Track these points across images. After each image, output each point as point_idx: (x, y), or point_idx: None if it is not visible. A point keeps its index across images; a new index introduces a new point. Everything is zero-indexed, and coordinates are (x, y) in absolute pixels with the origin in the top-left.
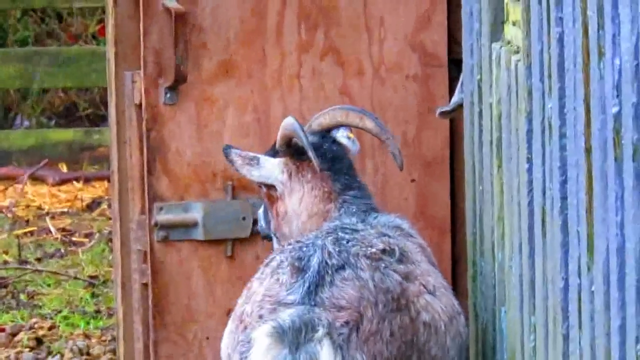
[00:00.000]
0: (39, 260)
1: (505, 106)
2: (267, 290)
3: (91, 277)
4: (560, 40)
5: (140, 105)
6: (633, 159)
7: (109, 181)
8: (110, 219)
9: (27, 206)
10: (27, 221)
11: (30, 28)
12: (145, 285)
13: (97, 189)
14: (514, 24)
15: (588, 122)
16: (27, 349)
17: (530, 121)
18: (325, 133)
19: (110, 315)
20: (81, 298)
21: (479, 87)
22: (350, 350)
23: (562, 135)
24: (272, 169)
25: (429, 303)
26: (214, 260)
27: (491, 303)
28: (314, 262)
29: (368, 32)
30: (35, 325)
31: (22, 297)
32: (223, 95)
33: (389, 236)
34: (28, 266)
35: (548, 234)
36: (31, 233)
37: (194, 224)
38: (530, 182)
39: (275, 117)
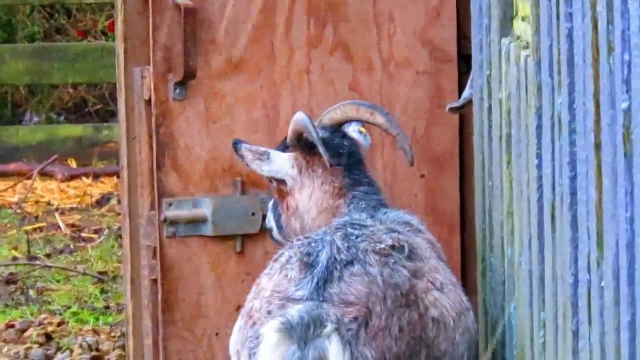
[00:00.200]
0: (48, 256)
1: (515, 102)
2: (275, 286)
3: (100, 273)
4: (570, 35)
5: (150, 100)
6: None
7: (118, 177)
8: (119, 214)
9: (37, 202)
10: (37, 217)
11: (39, 24)
12: (154, 281)
13: (106, 185)
14: (523, 19)
15: (598, 117)
16: (37, 345)
17: (539, 117)
18: (336, 128)
19: (119, 311)
20: (90, 294)
21: (488, 83)
22: (359, 346)
23: (572, 131)
24: (282, 163)
25: (437, 299)
26: (223, 256)
27: (500, 299)
28: (323, 257)
29: (377, 27)
30: (45, 321)
31: (32, 293)
32: (232, 90)
33: (398, 232)
34: (37, 262)
35: (557, 230)
36: (40, 229)
37: (203, 220)
38: (539, 177)
39: (284, 113)
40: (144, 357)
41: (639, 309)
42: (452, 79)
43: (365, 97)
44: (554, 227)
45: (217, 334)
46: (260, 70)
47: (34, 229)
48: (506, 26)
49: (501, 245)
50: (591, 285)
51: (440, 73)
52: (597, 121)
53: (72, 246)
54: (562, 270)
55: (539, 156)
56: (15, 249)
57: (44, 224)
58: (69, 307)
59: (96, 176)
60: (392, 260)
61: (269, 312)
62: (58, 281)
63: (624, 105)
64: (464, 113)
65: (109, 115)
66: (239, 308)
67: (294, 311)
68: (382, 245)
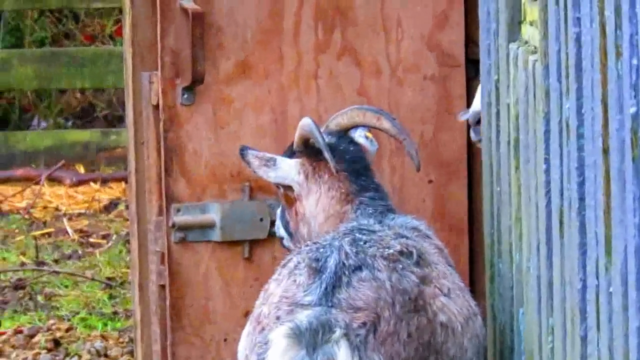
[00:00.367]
0: (56, 261)
1: (523, 106)
2: (284, 292)
3: (108, 278)
4: (578, 40)
5: (158, 106)
6: None
7: (126, 182)
8: (127, 220)
9: (45, 207)
10: (45, 222)
11: (47, 29)
12: (162, 286)
13: (114, 190)
14: (531, 24)
15: (606, 122)
16: (45, 351)
17: (547, 121)
18: (343, 133)
19: (127, 317)
20: (99, 299)
21: (497, 88)
22: (368, 351)
23: (580, 136)
24: (288, 169)
25: (445, 305)
26: (232, 261)
27: (509, 304)
28: (331, 263)
29: (385, 32)
30: (53, 327)
31: (40, 298)
32: (240, 95)
33: (407, 237)
34: (45, 268)
35: (566, 235)
36: (48, 234)
37: (212, 225)
38: (547, 182)
39: (292, 118)
40: None
41: None
42: (460, 84)
43: (373, 102)
44: (562, 232)
45: (225, 340)
46: (268, 75)
47: (42, 235)
48: (514, 31)
49: (509, 251)
50: (599, 291)
51: (448, 78)
52: (605, 126)
53: (80, 252)
54: (571, 276)
55: (547, 161)
56: (24, 254)
57: (52, 229)
58: (78, 313)
59: (104, 181)
60: (400, 266)
61: (278, 318)
62: (66, 287)
63: (632, 110)
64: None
65: (117, 120)
66: (247, 313)
67: (303, 317)
68: (391, 251)
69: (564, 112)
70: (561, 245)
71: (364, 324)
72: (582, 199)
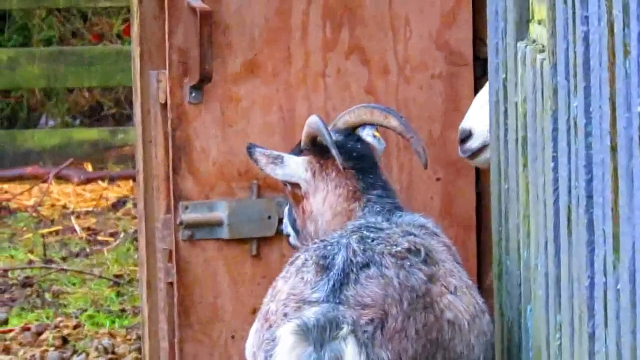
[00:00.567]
0: (64, 259)
1: (531, 105)
2: (291, 289)
3: (116, 276)
4: (586, 38)
5: (166, 104)
6: None
7: (134, 180)
8: (135, 218)
9: (52, 205)
10: (52, 220)
11: (55, 28)
12: (170, 284)
13: (122, 188)
14: (539, 22)
15: (613, 120)
16: (53, 348)
17: (555, 120)
18: (351, 131)
19: (135, 314)
20: (106, 297)
21: (504, 86)
22: (375, 348)
23: (588, 134)
24: (296, 167)
25: (451, 302)
26: (239, 259)
27: (517, 301)
28: (339, 260)
29: (393, 30)
30: (61, 324)
31: (47, 296)
32: (248, 94)
33: (415, 235)
34: (53, 265)
35: (574, 233)
36: (56, 232)
37: (219, 223)
38: (555, 180)
39: (300, 116)
40: None
41: None
42: (467, 83)
43: (381, 100)
44: (570, 230)
45: (233, 337)
46: (276, 74)
47: (50, 233)
48: (522, 29)
49: (517, 248)
50: (607, 288)
51: (456, 76)
52: (613, 124)
53: (88, 249)
54: (578, 273)
55: (555, 159)
56: (31, 252)
57: (60, 227)
58: (85, 310)
59: (112, 180)
60: (408, 263)
61: (285, 315)
62: (74, 284)
63: None
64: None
65: (125, 118)
66: (254, 311)
67: (310, 313)
68: (398, 248)
69: (572, 110)
70: (569, 243)
71: (372, 320)
72: (589, 196)
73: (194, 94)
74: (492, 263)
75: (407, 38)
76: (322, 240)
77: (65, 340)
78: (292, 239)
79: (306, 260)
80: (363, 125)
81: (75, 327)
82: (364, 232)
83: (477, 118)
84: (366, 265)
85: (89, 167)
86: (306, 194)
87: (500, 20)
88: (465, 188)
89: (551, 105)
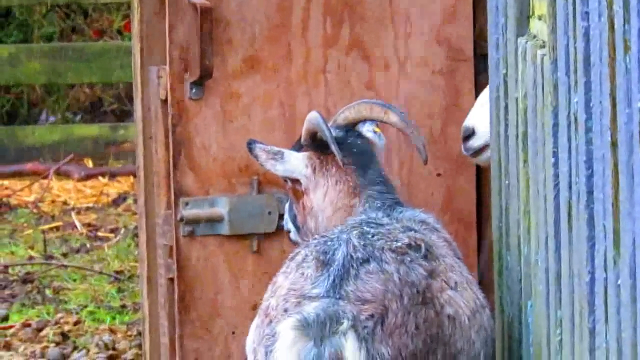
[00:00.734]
0: (64, 255)
1: (531, 100)
2: (292, 284)
3: (117, 272)
4: (586, 34)
5: (166, 100)
6: None
7: (134, 176)
8: (135, 214)
9: (53, 201)
10: (53, 216)
11: (56, 24)
12: (171, 280)
13: (122, 184)
14: (539, 18)
15: (614, 116)
16: (53, 344)
17: (556, 115)
18: (351, 127)
19: (136, 310)
20: (107, 293)
21: (505, 82)
22: (375, 343)
23: (588, 130)
24: (296, 163)
25: (452, 298)
26: (240, 255)
27: (517, 297)
28: (339, 255)
29: (394, 26)
30: (61, 321)
31: (48, 292)
32: (248, 90)
33: (415, 230)
34: (54, 261)
35: (574, 228)
36: (57, 228)
37: (220, 219)
38: (556, 176)
39: (300, 112)
40: (160, 356)
41: None
42: (468, 78)
43: (382, 96)
44: (571, 225)
45: (233, 333)
46: (276, 70)
47: (51, 229)
48: (522, 25)
49: (518, 244)
50: (608, 284)
51: (456, 72)
52: (614, 120)
53: (88, 245)
54: (579, 269)
55: (555, 155)
56: (32, 248)
57: (61, 223)
58: (86, 306)
59: (112, 176)
60: (408, 259)
61: (286, 310)
62: (74, 280)
63: None
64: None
65: (125, 115)
66: (255, 307)
67: (310, 308)
68: (399, 244)
69: (573, 106)
70: (569, 238)
71: (372, 316)
72: (590, 192)
73: (194, 90)
74: (492, 259)
75: (407, 34)
76: (322, 236)
77: (65, 337)
78: (293, 235)
79: (306, 255)
80: (363, 121)
81: (75, 323)
82: (364, 227)
83: (481, 116)
84: (366, 261)
85: (89, 163)
86: (306, 189)
87: (501, 16)
88: (466, 184)
89: (552, 101)
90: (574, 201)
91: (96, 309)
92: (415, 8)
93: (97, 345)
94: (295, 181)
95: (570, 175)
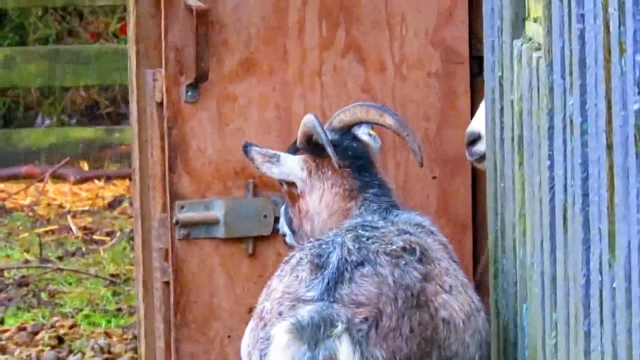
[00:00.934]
0: (60, 258)
1: (527, 103)
2: (286, 287)
3: (112, 275)
4: (582, 36)
5: (162, 103)
6: None
7: (130, 179)
8: (131, 217)
9: (48, 205)
10: (48, 220)
11: (52, 26)
12: (166, 283)
13: (118, 187)
14: (535, 20)
15: (609, 118)
16: (48, 348)
17: (551, 118)
18: (347, 130)
19: (131, 314)
20: (102, 296)
21: (500, 84)
22: (370, 347)
23: (584, 132)
24: (292, 166)
25: (446, 301)
26: (236, 258)
27: (512, 300)
28: (334, 258)
29: (389, 28)
30: (57, 324)
31: (43, 295)
32: (244, 92)
33: (410, 233)
34: (49, 265)
35: (569, 231)
36: (52, 231)
37: (216, 222)
38: (551, 178)
39: (296, 115)
40: (156, 359)
41: None
42: (464, 81)
43: (378, 98)
44: (566, 228)
45: (229, 336)
46: (272, 72)
47: (46, 232)
48: (518, 28)
49: (513, 247)
50: (603, 287)
51: (452, 75)
52: (609, 122)
53: (84, 249)
54: (574, 272)
55: (550, 157)
56: (28, 251)
57: (56, 226)
58: (81, 310)
59: (108, 179)
60: (403, 262)
61: (280, 313)
62: (70, 284)
63: (636, 106)
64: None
65: (121, 117)
66: (251, 310)
67: (305, 312)
68: (393, 247)
69: (568, 108)
70: (565, 241)
71: (366, 319)
72: (585, 194)
73: (190, 93)
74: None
75: (403, 36)
76: (317, 239)
77: (61, 340)
78: (289, 239)
79: (301, 259)
80: (359, 123)
81: (71, 327)
82: (359, 230)
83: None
84: (361, 264)
85: (85, 166)
86: (302, 193)
87: (496, 18)
88: (462, 186)
89: (547, 103)
90: (569, 204)
91: (92, 313)
92: (411, 10)
93: (92, 348)
94: (291, 184)
95: (565, 178)
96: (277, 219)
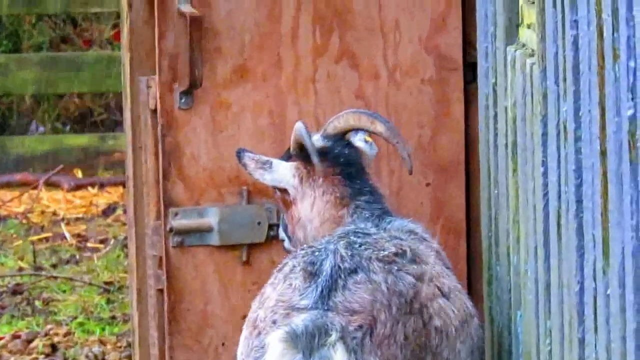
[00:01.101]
0: (54, 266)
1: (521, 109)
2: (280, 296)
3: (106, 283)
4: (575, 43)
5: (156, 110)
6: None
7: (124, 187)
8: (125, 224)
9: (42, 212)
10: (42, 227)
11: (45, 33)
12: (160, 291)
13: (112, 195)
14: (528, 26)
15: (603, 125)
16: (43, 356)
17: (545, 124)
18: (340, 137)
19: (125, 321)
20: (96, 304)
21: (494, 91)
22: (364, 354)
23: (577, 138)
24: (284, 172)
25: (442, 308)
26: (230, 265)
27: (507, 307)
28: (327, 266)
29: (383, 35)
30: (51, 332)
31: (37, 303)
32: (238, 99)
33: (401, 239)
34: (43, 272)
35: (563, 238)
36: (46, 239)
37: (210, 229)
38: (545, 185)
39: (290, 121)
40: None
41: None
42: (457, 87)
43: (371, 105)
44: (560, 235)
45: (223, 344)
46: (266, 79)
47: (40, 239)
48: (512, 34)
49: (507, 254)
50: (597, 293)
51: (446, 81)
52: (603, 129)
53: (78, 256)
54: (568, 278)
55: (544, 164)
56: (21, 259)
57: (50, 234)
58: (75, 318)
59: (102, 186)
60: (395, 267)
61: (274, 322)
62: (64, 291)
63: (630, 112)
64: (469, 120)
65: (115, 124)
66: (245, 317)
67: (299, 320)
68: (386, 253)
69: (562, 114)
70: (559, 248)
71: (360, 326)
72: (579, 201)
73: (184, 100)
74: (482, 268)
75: (397, 43)
76: (309, 247)
77: (55, 348)
78: (287, 244)
79: (294, 266)
80: (352, 130)
81: (65, 335)
82: (352, 237)
83: None
84: (354, 271)
85: (79, 174)
86: (294, 200)
87: (490, 25)
88: (455, 193)
89: (541, 109)
90: (563, 210)
91: (86, 320)
92: (405, 17)
93: (86, 356)
94: (284, 191)
95: (559, 185)
96: (271, 226)
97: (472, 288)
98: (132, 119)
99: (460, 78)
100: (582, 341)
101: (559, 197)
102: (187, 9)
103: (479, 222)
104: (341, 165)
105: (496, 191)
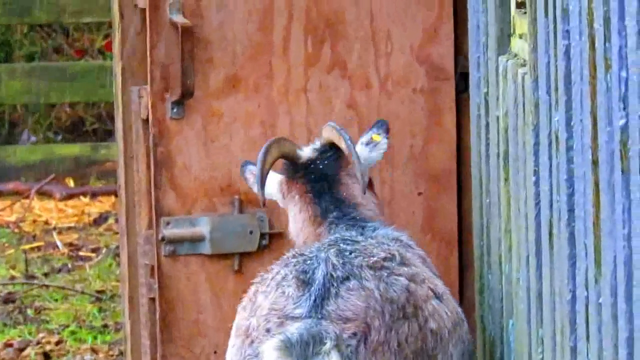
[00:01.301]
0: (46, 275)
1: (512, 119)
2: (273, 304)
3: (98, 291)
4: (567, 52)
5: (147, 120)
6: None
7: (116, 196)
8: (117, 233)
9: (34, 221)
10: (34, 236)
11: (37, 43)
12: (152, 299)
13: (104, 204)
14: (520, 36)
15: (595, 134)
16: None
17: (537, 134)
18: (326, 148)
19: (117, 330)
20: (88, 313)
21: (486, 100)
22: None
23: (569, 148)
24: (273, 186)
25: (436, 309)
26: (222, 274)
27: (499, 316)
28: (319, 274)
29: (375, 45)
30: (43, 340)
31: (30, 312)
32: (230, 109)
33: (389, 245)
34: (35, 281)
35: (555, 247)
36: (38, 248)
37: (201, 239)
38: (537, 194)
39: (282, 131)
40: None
41: (636, 325)
42: (449, 97)
43: (363, 115)
44: (552, 244)
45: (215, 352)
46: (257, 89)
47: (32, 248)
48: (504, 44)
49: (499, 262)
50: (589, 302)
51: (437, 91)
52: (595, 138)
53: (70, 265)
54: (560, 287)
55: (536, 173)
56: (13, 268)
57: (42, 243)
58: (67, 326)
59: (94, 195)
60: (386, 273)
61: (268, 330)
62: (56, 300)
63: (621, 122)
64: (461, 130)
65: (107, 134)
66: None
67: (293, 329)
68: (375, 259)
69: (553, 124)
70: (551, 257)
71: (355, 334)
72: (571, 210)
73: (175, 110)
74: (473, 277)
75: (388, 52)
76: (301, 255)
77: (47, 356)
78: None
79: (286, 275)
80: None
81: (57, 343)
82: (341, 245)
83: None
84: (346, 279)
85: (70, 183)
86: (285, 211)
87: (482, 35)
88: (447, 202)
89: (532, 119)
90: (555, 220)
91: (78, 329)
92: (396, 27)
93: None
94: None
95: (551, 194)
96: (263, 235)
97: (464, 297)
98: (124, 128)
99: (452, 88)
100: (574, 350)
101: (551, 206)
102: (179, 19)
103: (471, 231)
104: (313, 182)
105: (488, 200)
